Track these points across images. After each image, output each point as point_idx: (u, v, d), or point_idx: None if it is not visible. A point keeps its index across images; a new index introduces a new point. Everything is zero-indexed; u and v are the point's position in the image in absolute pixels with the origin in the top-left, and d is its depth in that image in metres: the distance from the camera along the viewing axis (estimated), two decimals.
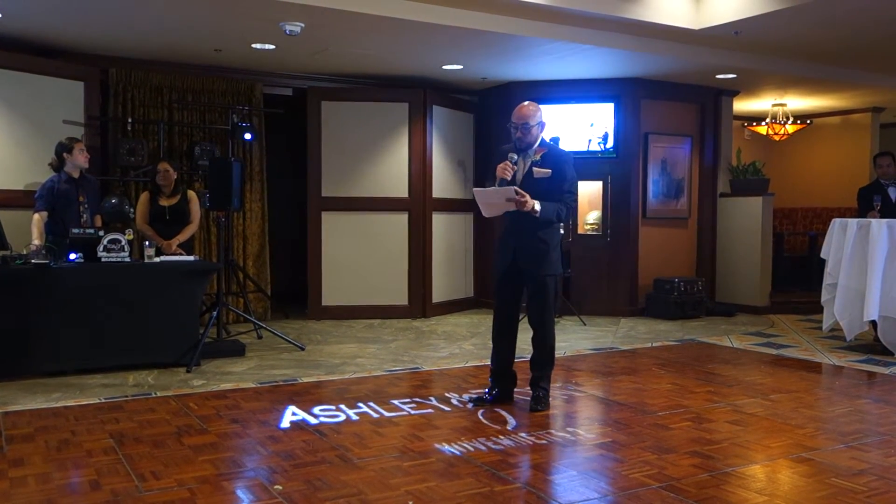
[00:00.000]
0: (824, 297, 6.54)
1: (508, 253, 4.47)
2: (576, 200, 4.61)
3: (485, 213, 4.45)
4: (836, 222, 6.56)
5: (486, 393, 4.69)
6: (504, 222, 4.51)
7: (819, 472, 3.46)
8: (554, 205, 4.34)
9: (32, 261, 5.20)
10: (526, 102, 4.47)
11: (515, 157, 4.39)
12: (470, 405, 4.58)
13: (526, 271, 4.44)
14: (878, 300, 6.07)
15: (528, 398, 4.59)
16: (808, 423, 4.28)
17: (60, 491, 3.22)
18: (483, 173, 4.51)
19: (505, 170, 4.31)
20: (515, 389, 4.72)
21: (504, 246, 4.51)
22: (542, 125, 4.46)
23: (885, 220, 6.22)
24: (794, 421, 4.30)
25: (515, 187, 4.26)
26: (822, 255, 6.64)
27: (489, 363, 4.76)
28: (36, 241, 5.57)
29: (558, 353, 6.32)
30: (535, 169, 4.39)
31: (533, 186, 4.33)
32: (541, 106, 4.50)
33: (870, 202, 6.96)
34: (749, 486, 3.28)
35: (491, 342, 4.69)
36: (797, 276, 9.63)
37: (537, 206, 4.26)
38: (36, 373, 5.25)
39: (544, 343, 4.55)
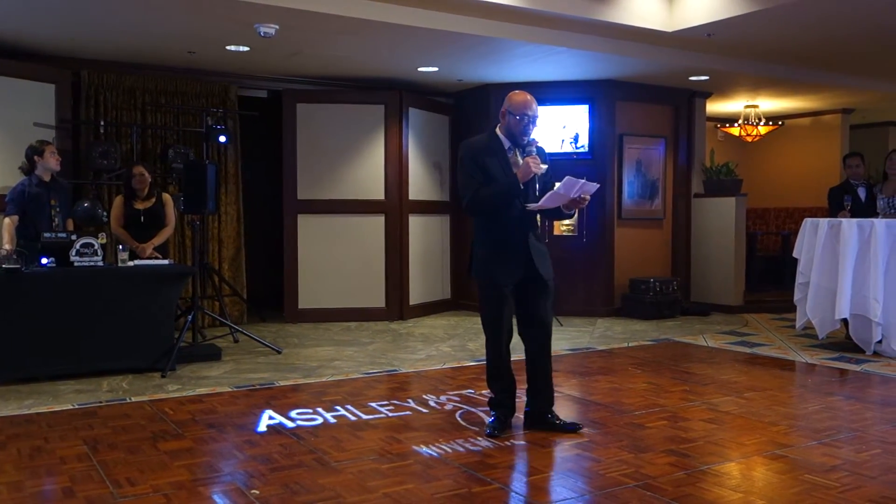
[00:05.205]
0: (797, 295, 6.63)
1: (520, 259, 3.96)
2: None
3: (545, 205, 3.92)
4: (808, 222, 6.65)
5: (502, 421, 4.10)
6: (501, 225, 3.96)
7: (793, 468, 3.51)
8: None
9: (3, 265, 5.13)
10: (526, 93, 4.00)
11: (534, 150, 3.96)
12: (487, 432, 4.03)
13: (541, 276, 3.99)
14: (850, 298, 6.15)
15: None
16: (782, 420, 4.33)
17: (34, 499, 3.18)
18: (484, 174, 3.97)
19: (539, 164, 3.89)
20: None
21: (513, 252, 3.96)
22: None
23: (855, 220, 6.31)
24: (768, 418, 4.35)
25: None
26: (795, 255, 6.73)
27: (492, 393, 4.14)
28: (7, 246, 5.49)
29: None
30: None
31: (538, 183, 3.98)
32: None
33: (840, 202, 7.05)
34: (724, 484, 3.31)
35: (497, 364, 4.07)
36: (770, 276, 9.76)
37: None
38: (8, 379, 5.17)
39: (550, 348, 4.13)
